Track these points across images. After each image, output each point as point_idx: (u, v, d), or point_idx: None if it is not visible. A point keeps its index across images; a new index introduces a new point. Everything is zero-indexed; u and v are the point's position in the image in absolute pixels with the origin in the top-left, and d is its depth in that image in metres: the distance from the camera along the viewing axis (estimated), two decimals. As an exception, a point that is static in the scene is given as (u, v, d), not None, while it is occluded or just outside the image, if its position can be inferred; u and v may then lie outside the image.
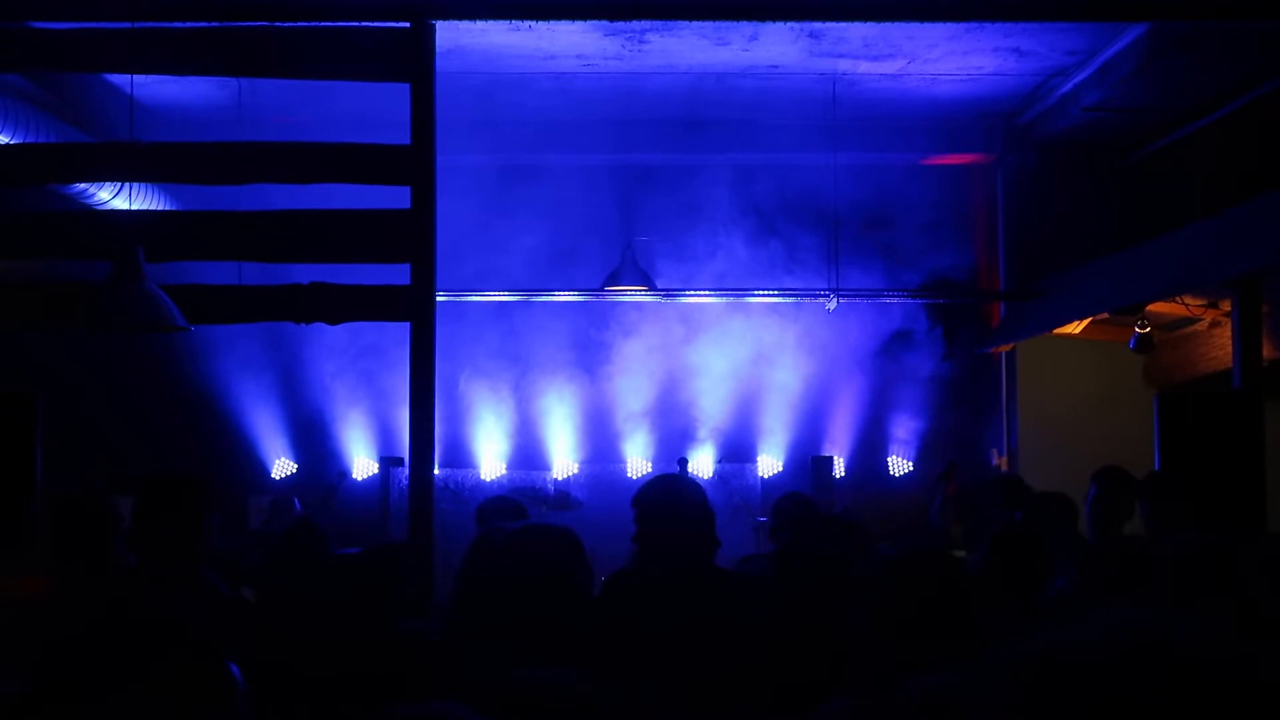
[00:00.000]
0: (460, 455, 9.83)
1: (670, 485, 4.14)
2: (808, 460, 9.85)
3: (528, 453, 9.93)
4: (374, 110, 6.55)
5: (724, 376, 9.86)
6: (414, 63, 5.44)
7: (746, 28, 7.63)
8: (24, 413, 5.85)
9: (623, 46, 7.96)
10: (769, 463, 9.93)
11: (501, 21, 6.97)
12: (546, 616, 3.31)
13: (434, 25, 5.50)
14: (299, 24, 5.49)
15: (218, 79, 7.72)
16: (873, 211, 9.68)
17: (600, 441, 9.95)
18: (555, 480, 9.82)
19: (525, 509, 5.58)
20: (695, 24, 7.45)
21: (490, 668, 2.87)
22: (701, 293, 9.62)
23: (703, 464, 9.81)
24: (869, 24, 7.26)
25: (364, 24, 5.49)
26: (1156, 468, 6.93)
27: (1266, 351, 7.46)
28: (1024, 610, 3.95)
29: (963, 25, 7.49)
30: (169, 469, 4.87)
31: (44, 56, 5.77)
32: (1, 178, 5.84)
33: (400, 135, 5.47)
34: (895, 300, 9.74)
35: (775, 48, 8.03)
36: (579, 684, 1.95)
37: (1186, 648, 1.20)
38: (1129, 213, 9.05)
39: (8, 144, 6.40)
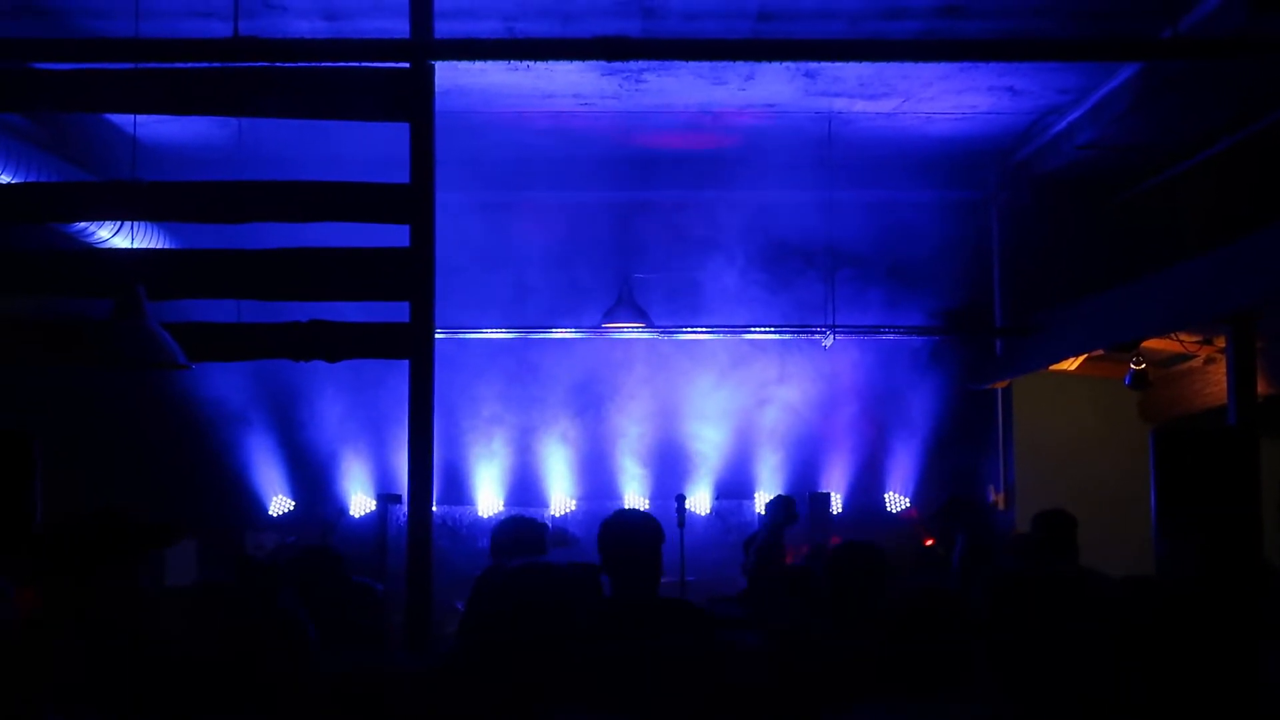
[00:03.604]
0: (458, 492, 9.82)
1: (622, 519, 4.23)
2: (805, 496, 9.85)
3: (525, 489, 9.93)
4: (373, 149, 6.60)
5: (721, 413, 9.88)
6: (413, 102, 5.49)
7: (743, 68, 7.70)
8: (20, 451, 5.85)
9: (620, 86, 8.02)
10: (766, 499, 9.90)
11: (500, 62, 7.04)
12: (543, 652, 3.32)
13: (433, 66, 5.55)
14: (300, 64, 5.54)
15: (218, 118, 7.79)
16: (869, 248, 9.72)
17: (597, 478, 9.95)
18: (553, 517, 9.80)
19: (542, 530, 5.60)
20: (692, 64, 7.53)
21: (491, 702, 2.88)
22: (699, 330, 9.64)
23: (700, 500, 9.80)
24: (864, 64, 7.34)
25: (364, 64, 5.54)
26: (1154, 504, 6.94)
27: (1261, 387, 7.47)
28: None
29: (957, 65, 7.57)
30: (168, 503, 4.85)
31: (46, 97, 5.81)
32: (4, 216, 5.88)
33: (399, 174, 5.51)
34: (891, 336, 9.77)
35: (772, 87, 8.10)
36: None
37: None
38: (1123, 249, 9.10)
39: (10, 183, 6.44)
